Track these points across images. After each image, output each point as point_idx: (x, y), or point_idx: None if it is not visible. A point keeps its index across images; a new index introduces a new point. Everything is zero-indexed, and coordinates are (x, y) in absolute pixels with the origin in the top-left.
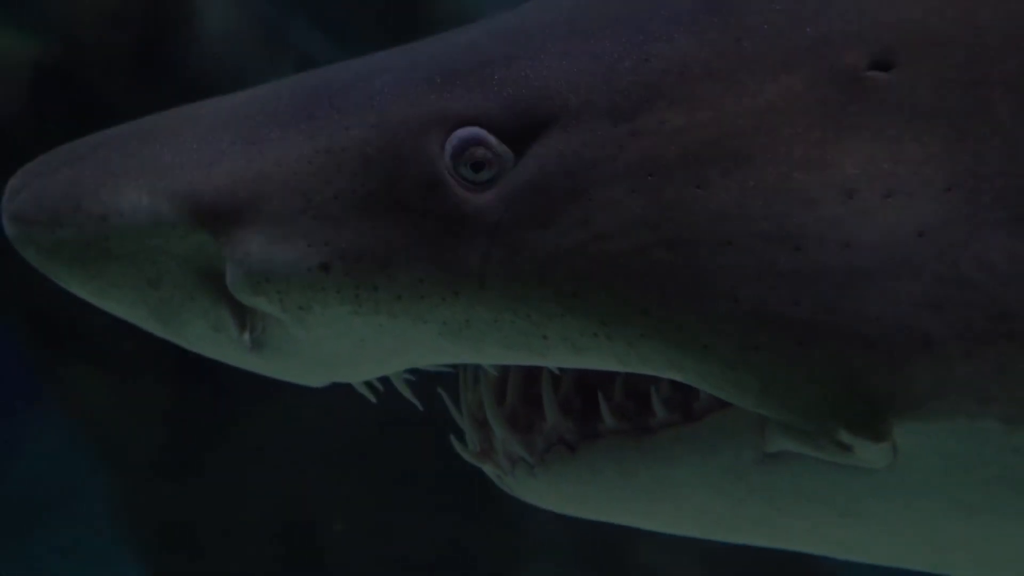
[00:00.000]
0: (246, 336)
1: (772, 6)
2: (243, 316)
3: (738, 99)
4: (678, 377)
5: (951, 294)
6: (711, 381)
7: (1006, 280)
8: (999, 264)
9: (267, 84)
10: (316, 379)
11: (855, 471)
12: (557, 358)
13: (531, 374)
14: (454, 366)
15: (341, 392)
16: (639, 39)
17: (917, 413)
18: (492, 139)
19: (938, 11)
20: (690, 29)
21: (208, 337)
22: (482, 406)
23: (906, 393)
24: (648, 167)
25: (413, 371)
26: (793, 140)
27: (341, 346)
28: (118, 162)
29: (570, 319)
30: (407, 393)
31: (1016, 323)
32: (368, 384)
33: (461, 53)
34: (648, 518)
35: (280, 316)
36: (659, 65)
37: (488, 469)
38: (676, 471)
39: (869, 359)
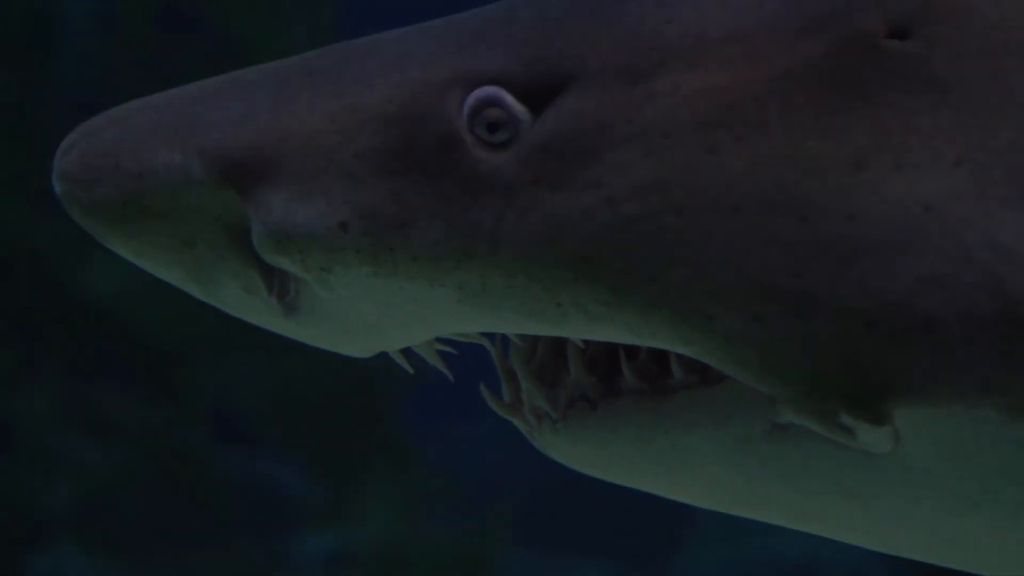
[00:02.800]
0: (275, 299)
1: None
2: (271, 278)
3: (755, 64)
4: (685, 351)
5: (956, 273)
6: (716, 355)
7: (1013, 261)
8: (1007, 244)
9: (311, 51)
10: (350, 347)
11: (860, 453)
12: (573, 328)
13: None
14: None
15: None
16: (664, 1)
17: (916, 397)
18: (509, 99)
19: None
20: None
21: (243, 301)
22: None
23: (906, 375)
24: (661, 130)
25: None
26: (806, 107)
27: (365, 310)
28: (158, 122)
29: (582, 285)
30: (438, 363)
31: (1020, 307)
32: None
33: (489, 17)
34: (667, 486)
35: (304, 276)
36: (679, 28)
37: (518, 423)
38: (691, 437)
39: (869, 337)
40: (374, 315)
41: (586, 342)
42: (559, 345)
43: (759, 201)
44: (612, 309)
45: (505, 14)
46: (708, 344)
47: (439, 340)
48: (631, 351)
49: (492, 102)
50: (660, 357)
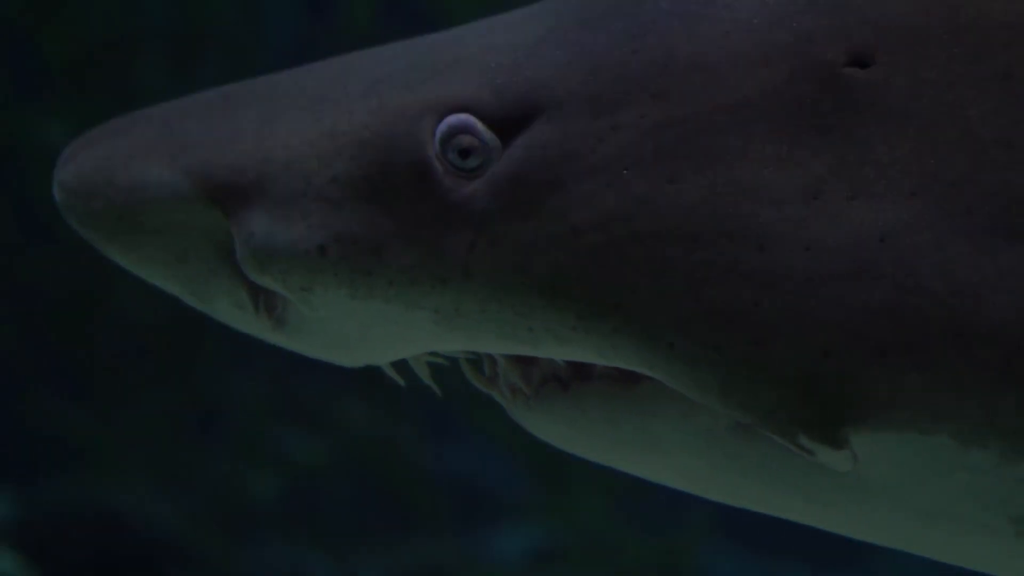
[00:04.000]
0: (263, 315)
1: (763, 1)
2: (259, 295)
3: (717, 94)
4: (651, 373)
5: (909, 303)
6: (679, 380)
7: (965, 292)
8: (960, 275)
9: (304, 65)
10: (342, 359)
11: (824, 468)
12: (546, 349)
13: None
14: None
15: None
16: (631, 31)
17: (871, 424)
18: (480, 127)
19: (922, 9)
20: (681, 22)
21: (235, 314)
22: None
23: (860, 403)
24: (625, 161)
25: None
26: (766, 137)
27: (348, 328)
28: (152, 137)
29: (551, 312)
30: (426, 378)
31: (971, 339)
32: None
33: (463, 43)
34: (636, 467)
35: (287, 295)
36: (645, 57)
37: (496, 396)
38: (657, 425)
39: (825, 365)
40: (354, 332)
41: None
42: None
43: (717, 231)
44: (580, 334)
45: (480, 39)
46: (670, 370)
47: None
48: None
49: (463, 129)
50: None
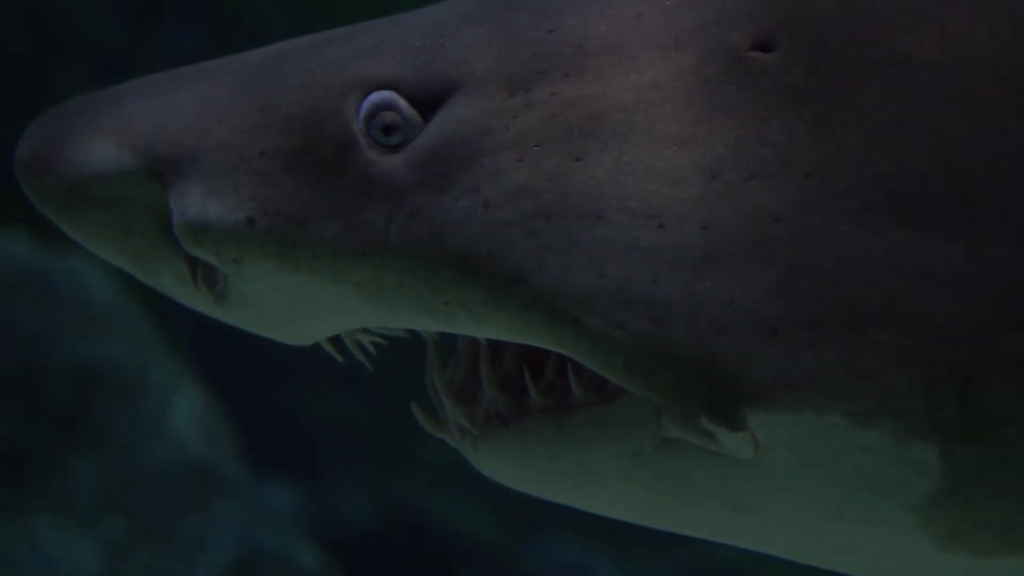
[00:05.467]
0: (203, 288)
1: None
2: (197, 268)
3: (627, 74)
4: (559, 350)
5: (801, 283)
6: (585, 356)
7: (855, 273)
8: (850, 256)
9: (251, 50)
10: (278, 335)
11: (735, 462)
12: (461, 326)
13: (496, 350)
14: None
15: None
16: (549, 11)
17: (766, 404)
18: (403, 103)
19: None
20: (597, 2)
21: (180, 289)
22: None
23: (754, 382)
24: (535, 138)
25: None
26: (670, 117)
27: (278, 301)
28: (102, 115)
29: (464, 286)
30: (359, 355)
31: (863, 317)
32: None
33: (394, 25)
34: (579, 499)
35: (220, 267)
36: (560, 37)
37: (447, 439)
38: (592, 453)
39: (720, 344)
40: (285, 305)
41: (498, 361)
42: (475, 365)
43: (620, 209)
44: (492, 309)
45: (410, 21)
46: (577, 346)
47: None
48: (537, 370)
49: (386, 106)
50: (564, 375)
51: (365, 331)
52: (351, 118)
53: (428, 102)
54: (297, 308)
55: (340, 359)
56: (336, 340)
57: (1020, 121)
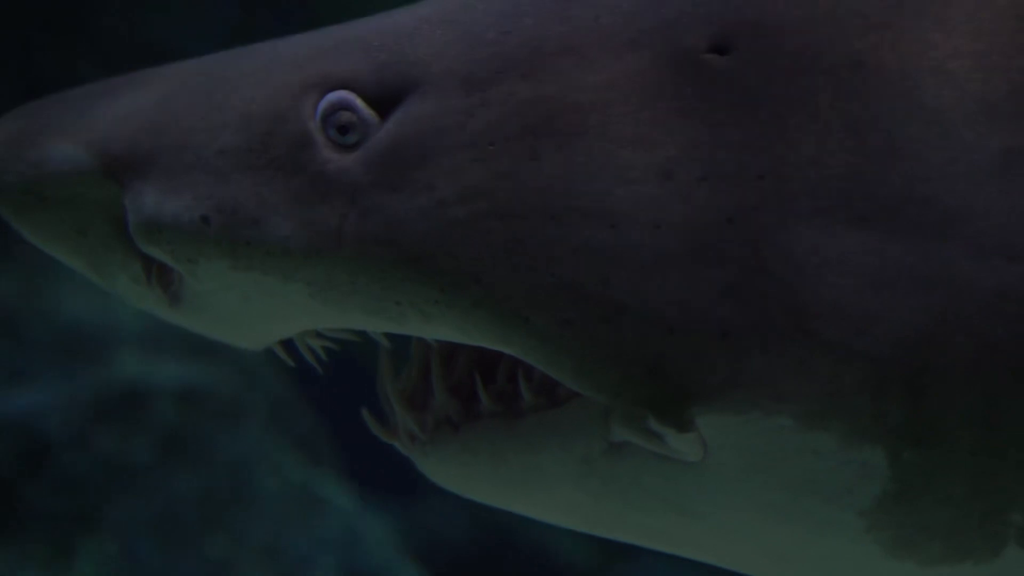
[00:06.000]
0: (157, 289)
1: None
2: (151, 269)
3: (584, 75)
4: (509, 350)
5: (752, 284)
6: (533, 356)
7: (806, 274)
8: (801, 257)
9: (215, 53)
10: (232, 338)
11: (682, 466)
12: (412, 326)
13: (447, 356)
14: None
15: None
16: (508, 12)
17: (715, 404)
18: (359, 103)
19: None
20: (556, 4)
21: (135, 291)
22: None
23: (704, 382)
24: (491, 137)
25: None
26: (625, 118)
27: (231, 301)
28: (60, 116)
29: (415, 285)
30: (310, 359)
31: (812, 319)
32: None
33: (354, 27)
34: (527, 506)
35: (175, 267)
36: (518, 38)
37: (397, 445)
38: (540, 458)
39: (670, 344)
40: (238, 306)
41: (449, 367)
42: (427, 371)
43: (573, 208)
44: (443, 308)
45: (369, 22)
46: (526, 345)
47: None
48: (488, 375)
49: (343, 105)
50: (515, 380)
51: (318, 335)
52: (308, 117)
53: (385, 101)
54: (250, 308)
55: (292, 363)
56: (289, 345)
57: (973, 126)
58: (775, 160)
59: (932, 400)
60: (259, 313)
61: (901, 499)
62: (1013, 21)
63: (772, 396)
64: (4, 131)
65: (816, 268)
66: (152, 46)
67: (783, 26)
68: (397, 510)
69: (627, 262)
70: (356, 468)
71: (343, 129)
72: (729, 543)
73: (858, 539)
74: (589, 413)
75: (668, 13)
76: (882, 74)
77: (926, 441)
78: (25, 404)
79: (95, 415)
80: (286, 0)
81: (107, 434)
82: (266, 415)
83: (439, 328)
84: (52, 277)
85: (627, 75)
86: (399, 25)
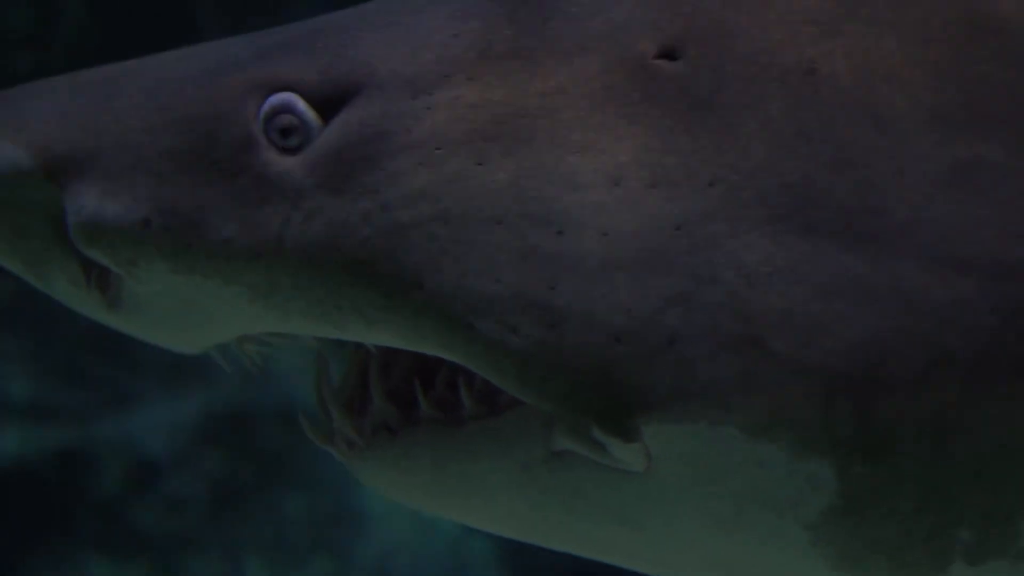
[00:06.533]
0: (96, 292)
1: None
2: (90, 271)
3: (532, 80)
4: (452, 357)
5: (700, 293)
6: (477, 363)
7: (755, 283)
8: (751, 266)
9: (163, 52)
10: (171, 341)
11: (625, 475)
12: (355, 331)
13: (386, 360)
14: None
15: None
16: (456, 14)
17: (661, 414)
18: (301, 105)
19: (732, 4)
20: (504, 7)
21: (72, 293)
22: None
23: (650, 391)
24: (437, 141)
25: None
26: (574, 123)
27: (172, 305)
28: (2, 114)
29: (359, 290)
30: (246, 363)
31: (761, 329)
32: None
33: (299, 28)
34: (466, 514)
35: (115, 269)
36: (465, 41)
37: (333, 452)
38: (480, 466)
39: (616, 352)
40: (179, 309)
41: (388, 372)
42: (365, 375)
43: (520, 214)
44: (386, 314)
45: (314, 24)
46: (470, 352)
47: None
48: (428, 381)
49: (285, 108)
50: (455, 387)
51: (257, 341)
52: (250, 119)
53: (329, 104)
54: (190, 312)
55: (228, 368)
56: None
57: (926, 135)
58: (726, 167)
59: (881, 413)
60: (199, 316)
61: (848, 513)
62: (966, 29)
63: (719, 407)
64: None
65: (765, 277)
66: None
67: (734, 31)
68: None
69: (574, 269)
70: None
71: (286, 131)
72: (672, 554)
73: (804, 552)
74: (531, 422)
75: (618, 17)
76: (834, 81)
77: (875, 455)
78: (133, 426)
79: (202, 437)
80: None
81: (213, 456)
82: None
83: (382, 334)
84: None
85: (576, 80)
86: (344, 26)
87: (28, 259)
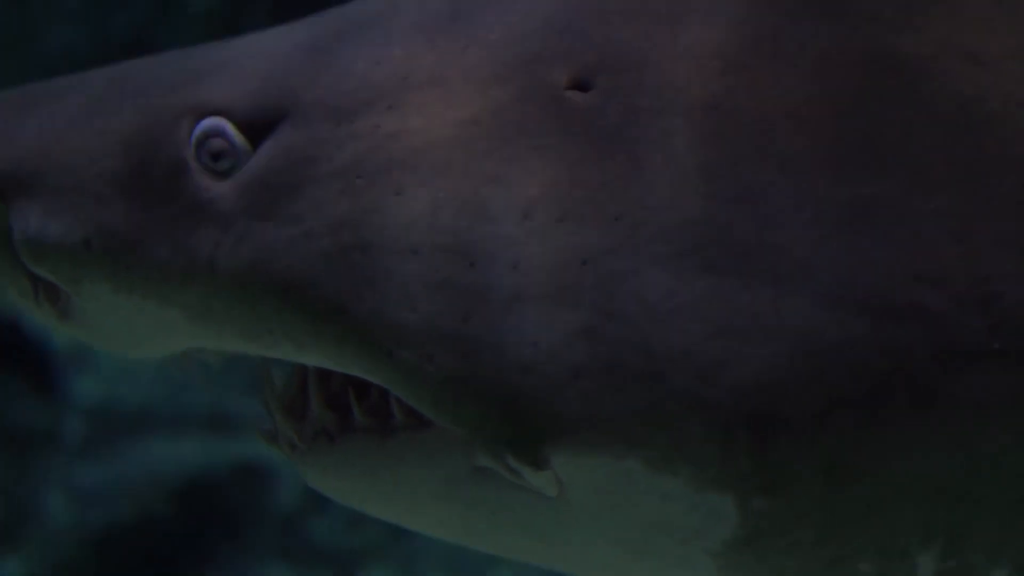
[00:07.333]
0: (45, 305)
1: (504, 18)
2: (38, 285)
3: (448, 109)
4: (376, 381)
5: (605, 327)
6: (399, 388)
7: (657, 319)
8: (653, 302)
9: (97, 69)
10: (123, 351)
11: (542, 497)
12: (286, 353)
13: (325, 368)
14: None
15: None
16: (379, 42)
17: (568, 446)
18: (231, 130)
19: (642, 36)
20: (425, 36)
21: (24, 304)
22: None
23: (557, 423)
24: (357, 170)
25: None
26: (488, 155)
27: (117, 320)
28: None
29: (285, 314)
30: (192, 375)
31: (662, 365)
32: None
33: (230, 49)
34: (401, 517)
35: (61, 286)
36: (387, 69)
37: (278, 452)
38: (408, 476)
39: (525, 384)
40: (123, 325)
41: (327, 379)
42: (306, 381)
43: (434, 245)
44: (312, 338)
45: (248, 44)
46: (390, 378)
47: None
48: (363, 390)
49: (215, 132)
50: (388, 397)
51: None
52: (183, 144)
53: (258, 129)
54: (135, 327)
55: (181, 375)
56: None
57: (824, 173)
58: (631, 202)
59: (778, 449)
60: (144, 332)
61: (751, 544)
62: (865, 68)
63: (623, 440)
64: None
65: (667, 313)
66: None
67: (643, 64)
68: None
69: (485, 300)
70: None
71: (217, 156)
72: (597, 569)
73: None
74: (455, 436)
75: (533, 46)
76: (737, 117)
77: (773, 489)
78: None
79: None
80: None
81: None
82: None
83: (311, 356)
84: None
85: (491, 110)
86: (273, 51)
87: None
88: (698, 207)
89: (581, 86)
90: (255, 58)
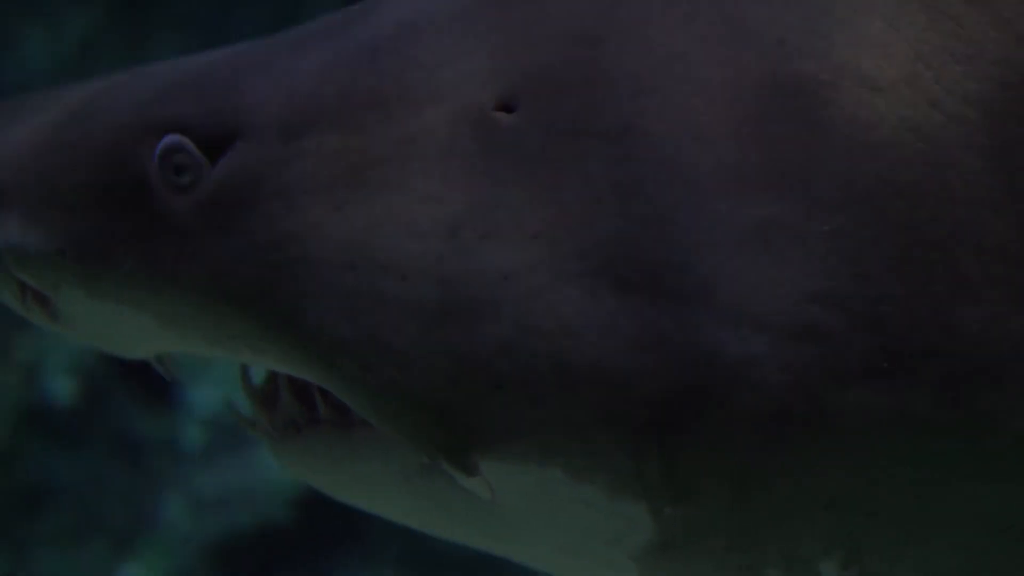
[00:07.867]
0: (33, 307)
1: (442, 38)
2: (25, 288)
3: (387, 127)
4: (326, 387)
5: (523, 341)
6: (344, 395)
7: (570, 333)
8: (566, 316)
9: (78, 82)
10: (112, 350)
11: (483, 500)
12: (248, 356)
13: None
14: None
15: None
16: (327, 60)
17: (493, 454)
18: (191, 146)
19: (564, 58)
20: (369, 55)
21: (16, 305)
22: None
23: (483, 432)
24: (303, 186)
25: None
26: (420, 173)
27: (99, 323)
28: None
29: (240, 323)
30: (175, 375)
31: (577, 378)
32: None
33: (193, 66)
34: (367, 504)
35: (43, 292)
36: (332, 87)
37: (256, 436)
38: (366, 468)
39: (453, 394)
40: (104, 328)
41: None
42: (277, 375)
43: (370, 260)
44: (267, 345)
45: (211, 60)
46: (336, 385)
47: None
48: None
49: (176, 148)
50: None
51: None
52: (147, 159)
53: (215, 146)
54: (116, 330)
55: (167, 375)
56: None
57: (729, 194)
58: (549, 221)
59: (685, 462)
60: (124, 334)
61: (667, 550)
62: (769, 90)
63: (543, 449)
64: None
65: (580, 328)
66: None
67: (563, 85)
68: None
69: (416, 314)
70: None
71: (179, 170)
72: (542, 565)
73: None
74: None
75: (465, 69)
76: (647, 139)
77: (683, 499)
78: None
79: None
80: None
81: None
82: None
83: (269, 360)
84: None
85: (424, 130)
86: (231, 68)
87: None
88: (610, 227)
89: (507, 107)
90: (212, 76)
